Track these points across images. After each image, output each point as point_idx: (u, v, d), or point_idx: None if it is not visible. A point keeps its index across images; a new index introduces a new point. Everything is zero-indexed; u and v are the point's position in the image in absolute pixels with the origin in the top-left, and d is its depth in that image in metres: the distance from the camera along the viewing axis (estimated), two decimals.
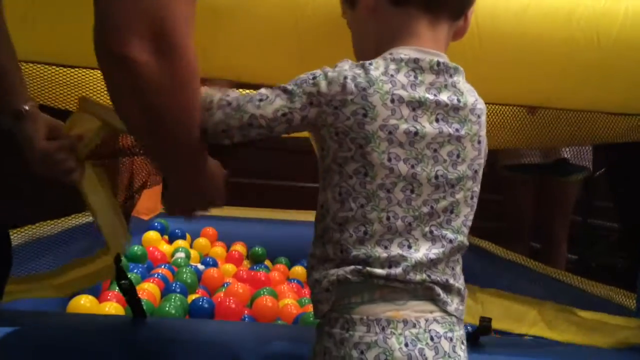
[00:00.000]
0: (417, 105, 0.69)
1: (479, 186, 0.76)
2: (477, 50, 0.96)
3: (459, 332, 0.71)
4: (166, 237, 2.58)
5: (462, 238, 0.73)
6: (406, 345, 0.67)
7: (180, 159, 0.69)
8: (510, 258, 2.02)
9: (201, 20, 0.77)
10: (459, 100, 0.73)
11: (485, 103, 1.16)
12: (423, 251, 0.69)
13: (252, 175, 3.56)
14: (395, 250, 0.68)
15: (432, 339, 0.68)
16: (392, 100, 0.68)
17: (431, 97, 0.70)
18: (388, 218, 0.68)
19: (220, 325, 1.30)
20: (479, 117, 0.76)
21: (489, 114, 1.26)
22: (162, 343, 0.98)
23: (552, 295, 1.39)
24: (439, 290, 0.70)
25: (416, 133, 0.69)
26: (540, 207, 2.44)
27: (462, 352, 0.71)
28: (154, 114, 0.61)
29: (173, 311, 1.58)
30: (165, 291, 1.80)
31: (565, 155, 2.25)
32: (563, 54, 0.98)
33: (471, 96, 0.76)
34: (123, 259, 1.82)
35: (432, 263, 0.69)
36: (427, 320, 0.69)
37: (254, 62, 0.98)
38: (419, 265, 0.68)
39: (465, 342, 0.72)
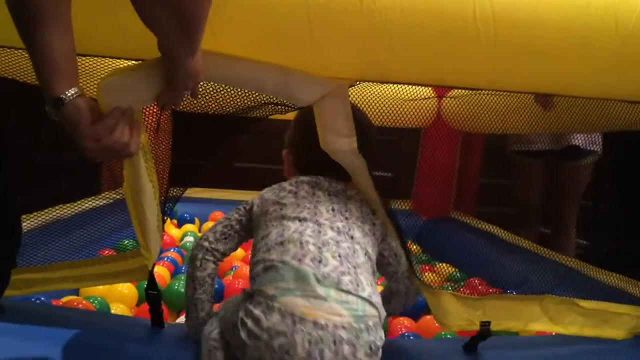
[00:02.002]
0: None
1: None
2: (491, 36, 0.95)
3: (366, 338, 0.83)
4: (175, 221, 2.60)
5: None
6: (309, 343, 0.79)
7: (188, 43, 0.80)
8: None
9: (214, 4, 0.77)
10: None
11: (500, 90, 1.15)
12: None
13: (258, 160, 3.56)
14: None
15: (334, 342, 0.80)
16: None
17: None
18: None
19: None
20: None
21: (504, 100, 1.25)
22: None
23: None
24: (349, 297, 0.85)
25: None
26: (550, 192, 2.43)
27: (365, 355, 0.82)
28: (182, 18, 0.73)
29: (182, 290, 1.59)
30: (175, 274, 1.82)
31: (577, 142, 2.23)
32: (580, 42, 0.96)
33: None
34: (134, 242, 1.85)
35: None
36: (335, 325, 0.81)
37: (265, 47, 0.97)
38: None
39: (374, 346, 0.83)
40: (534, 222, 2.50)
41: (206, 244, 1.02)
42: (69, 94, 0.72)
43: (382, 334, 0.87)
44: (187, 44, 0.79)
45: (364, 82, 1.04)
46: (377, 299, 0.90)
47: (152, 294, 1.03)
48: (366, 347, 0.82)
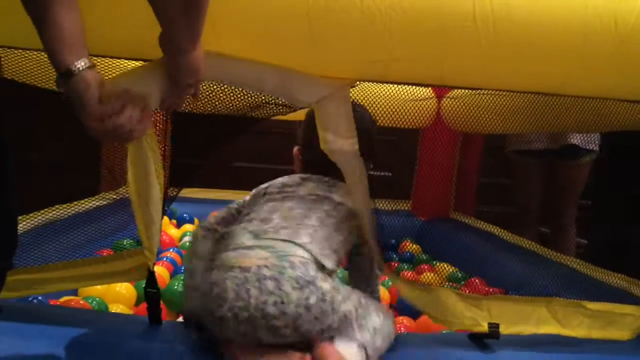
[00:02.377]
0: None
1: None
2: (491, 36, 0.95)
3: (291, 274, 0.89)
4: (174, 221, 2.59)
5: None
6: (237, 285, 0.89)
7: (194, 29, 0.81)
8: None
9: (215, 4, 0.78)
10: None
11: (499, 89, 1.15)
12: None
13: (258, 159, 3.57)
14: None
15: (258, 280, 0.88)
16: None
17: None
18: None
19: None
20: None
21: (502, 100, 1.25)
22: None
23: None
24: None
25: None
26: (548, 191, 2.42)
27: (292, 289, 0.87)
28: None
29: (181, 289, 1.59)
30: (174, 274, 1.82)
31: (575, 141, 2.23)
32: (579, 40, 0.97)
33: None
34: (132, 242, 1.84)
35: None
36: (258, 266, 0.90)
37: (265, 47, 0.97)
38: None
39: (302, 281, 0.89)
40: (533, 222, 2.49)
41: (206, 224, 1.11)
42: (79, 65, 0.73)
43: (313, 272, 0.91)
44: (190, 30, 0.80)
45: (364, 81, 1.04)
46: (313, 248, 0.95)
47: (151, 292, 1.04)
48: (292, 282, 0.88)
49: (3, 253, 0.87)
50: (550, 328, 1.11)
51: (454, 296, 1.09)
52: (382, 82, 1.03)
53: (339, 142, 1.01)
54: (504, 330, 1.06)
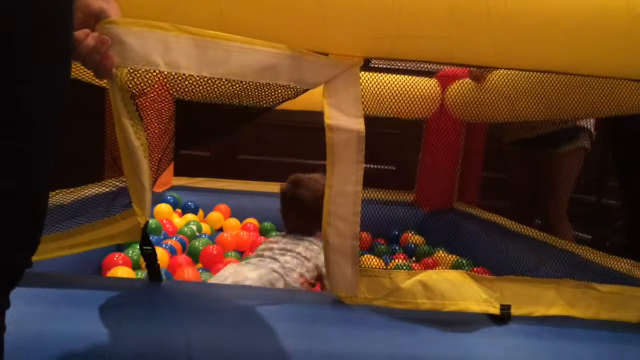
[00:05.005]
0: None
1: None
2: (502, 13, 0.94)
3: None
4: (179, 210, 2.58)
5: None
6: None
7: None
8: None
9: None
10: None
11: (507, 68, 1.14)
12: None
13: (262, 152, 3.56)
14: None
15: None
16: None
17: None
18: None
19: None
20: None
21: (510, 80, 1.23)
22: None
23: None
24: None
25: None
26: (536, 182, 2.40)
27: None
28: None
29: None
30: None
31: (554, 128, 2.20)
32: (590, 18, 0.95)
33: None
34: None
35: None
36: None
37: (275, 22, 0.96)
38: None
39: None
40: (527, 215, 2.46)
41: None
42: None
43: (281, 284, 1.40)
44: None
45: (372, 59, 1.03)
46: (283, 271, 1.43)
47: (147, 250, 1.04)
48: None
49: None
50: (559, 309, 1.09)
51: (468, 278, 1.08)
52: (390, 59, 1.02)
53: (345, 119, 1.00)
54: (514, 311, 1.05)
